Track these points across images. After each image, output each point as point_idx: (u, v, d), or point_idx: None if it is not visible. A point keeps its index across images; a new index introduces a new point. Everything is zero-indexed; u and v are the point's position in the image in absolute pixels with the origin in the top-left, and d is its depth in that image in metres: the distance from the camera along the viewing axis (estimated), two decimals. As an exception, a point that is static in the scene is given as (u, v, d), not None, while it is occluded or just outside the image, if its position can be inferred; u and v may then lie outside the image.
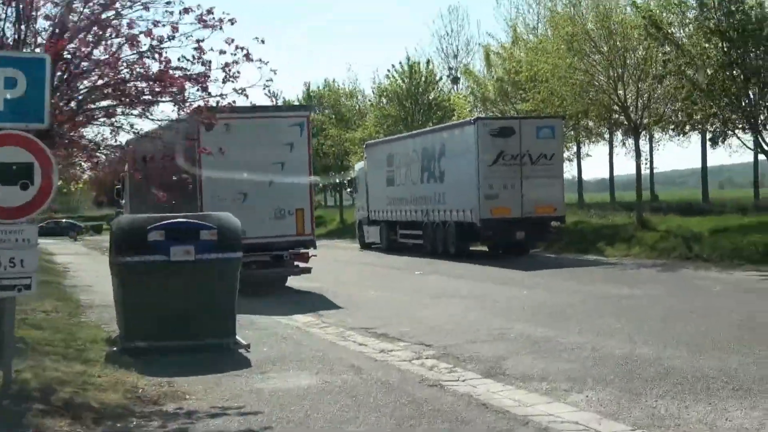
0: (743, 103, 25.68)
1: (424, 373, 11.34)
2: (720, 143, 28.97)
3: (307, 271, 22.84)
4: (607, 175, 48.09)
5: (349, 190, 48.00)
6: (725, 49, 25.64)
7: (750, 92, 25.78)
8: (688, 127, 29.32)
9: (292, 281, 23.44)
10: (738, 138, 27.47)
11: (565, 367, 11.36)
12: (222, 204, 21.33)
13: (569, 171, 40.12)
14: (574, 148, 46.83)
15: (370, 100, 52.99)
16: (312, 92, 60.10)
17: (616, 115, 32.20)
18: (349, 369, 11.55)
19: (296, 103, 63.87)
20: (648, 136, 37.59)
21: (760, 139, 26.37)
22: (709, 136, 30.75)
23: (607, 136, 40.19)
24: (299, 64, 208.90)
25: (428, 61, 49.32)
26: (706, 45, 25.74)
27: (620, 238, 30.72)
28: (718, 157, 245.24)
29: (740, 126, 26.60)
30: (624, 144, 36.59)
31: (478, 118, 31.69)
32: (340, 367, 11.71)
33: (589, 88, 31.41)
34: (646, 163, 33.23)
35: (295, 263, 22.79)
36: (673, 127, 29.63)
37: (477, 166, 29.74)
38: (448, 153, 32.16)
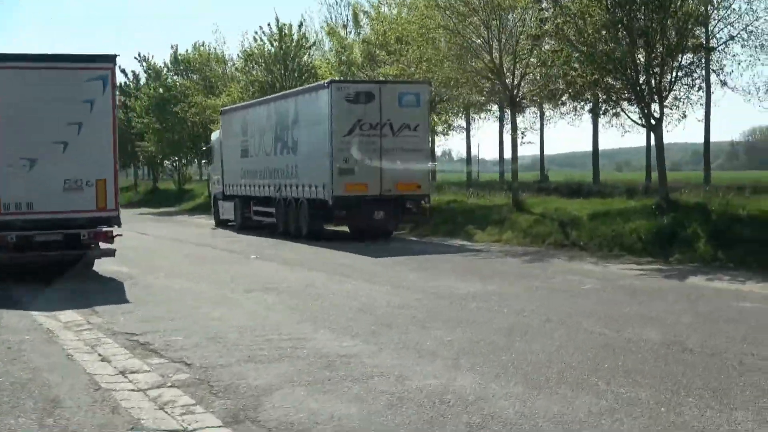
0: (628, 70, 22.22)
1: (145, 416, 8.00)
2: (602, 116, 25.67)
3: (110, 253, 19.09)
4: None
5: (204, 161, 43.98)
6: (609, 8, 22.19)
7: (636, 57, 22.35)
8: (565, 97, 25.85)
9: (100, 265, 19.55)
10: (622, 110, 24.05)
11: (344, 410, 8.03)
12: (3, 171, 17.92)
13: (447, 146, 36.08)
14: (458, 123, 43.80)
15: (235, 65, 48.59)
16: (180, 56, 55.66)
17: (492, 84, 28.59)
18: (39, 410, 8.07)
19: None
20: (539, 113, 34.14)
21: (647, 111, 22.97)
22: (588, 107, 27.29)
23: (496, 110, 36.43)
24: (168, 26, 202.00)
25: (300, 24, 45.07)
26: (588, 2, 22.19)
27: (493, 221, 27.33)
28: (621, 139, 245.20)
29: (625, 97, 23.19)
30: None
31: (332, 80, 27.62)
32: (29, 402, 8.37)
33: (460, 52, 27.85)
34: (522, 138, 29.83)
35: (94, 244, 18.83)
36: (549, 97, 26.06)
37: (330, 136, 25.96)
38: (302, 120, 28.32)
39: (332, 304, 14.34)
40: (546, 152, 52.19)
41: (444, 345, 10.82)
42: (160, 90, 55.97)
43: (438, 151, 48.09)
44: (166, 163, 63.94)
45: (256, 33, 45.21)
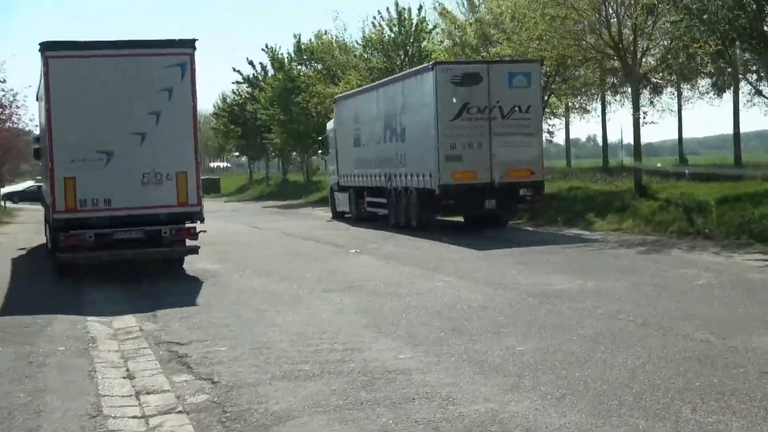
0: (754, 40, 20.01)
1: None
2: (727, 92, 23.38)
3: (193, 251, 18.29)
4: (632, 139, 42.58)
5: (320, 152, 43.11)
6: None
7: (763, 25, 20.14)
8: (686, 71, 23.69)
9: (190, 263, 18.86)
10: (749, 83, 21.80)
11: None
12: (78, 165, 17.10)
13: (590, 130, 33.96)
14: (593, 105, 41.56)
15: (354, 53, 47.47)
16: (303, 44, 54.95)
17: (611, 60, 26.60)
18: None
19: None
20: (677, 94, 31.85)
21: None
22: (711, 81, 25.00)
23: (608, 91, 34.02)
24: (287, 14, 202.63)
25: (420, 7, 43.60)
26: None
27: (614, 209, 25.45)
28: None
29: (754, 69, 20.97)
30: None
31: (436, 62, 26.10)
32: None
33: (575, 27, 26.01)
34: (644, 118, 27.67)
35: (178, 241, 18.08)
36: (669, 73, 23.87)
37: (436, 121, 24.55)
38: (409, 106, 26.98)
39: (409, 305, 13.02)
40: (688, 135, 49.59)
41: (512, 357, 9.37)
42: (284, 80, 55.45)
43: (582, 137, 45.03)
44: (294, 154, 63.53)
45: (374, 18, 43.92)
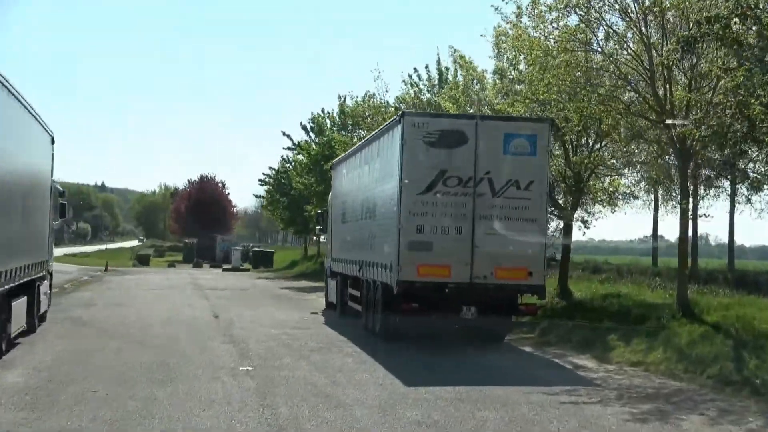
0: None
1: None
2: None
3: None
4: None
5: (318, 228, 36.70)
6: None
7: None
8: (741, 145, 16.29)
9: None
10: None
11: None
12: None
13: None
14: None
15: (384, 117, 40.70)
16: (345, 108, 48.48)
17: (652, 128, 19.46)
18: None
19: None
20: (731, 179, 24.48)
21: None
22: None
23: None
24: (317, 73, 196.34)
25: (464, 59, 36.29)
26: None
27: (645, 331, 18.36)
28: None
29: None
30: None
31: (404, 112, 19.30)
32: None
33: (608, 80, 19.20)
34: (700, 213, 20.38)
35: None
36: (722, 144, 16.46)
37: (399, 194, 18.01)
38: (379, 172, 20.55)
39: None
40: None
41: None
42: (322, 146, 49.40)
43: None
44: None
45: (410, 76, 37.47)
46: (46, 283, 21.57)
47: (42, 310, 21.16)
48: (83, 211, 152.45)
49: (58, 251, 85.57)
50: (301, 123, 55.85)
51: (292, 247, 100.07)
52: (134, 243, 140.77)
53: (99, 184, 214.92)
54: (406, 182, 17.83)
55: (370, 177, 21.51)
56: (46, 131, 20.81)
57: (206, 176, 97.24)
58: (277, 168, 61.56)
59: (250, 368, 15.15)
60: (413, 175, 17.84)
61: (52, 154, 21.97)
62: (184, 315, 25.51)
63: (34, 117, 18.48)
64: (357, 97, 44.94)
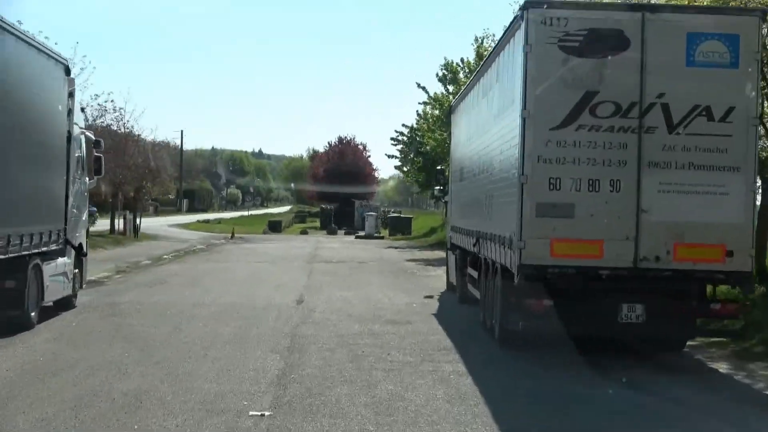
0: None
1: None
2: None
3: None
4: None
5: (437, 189, 30.56)
6: None
7: None
8: None
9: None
10: None
11: None
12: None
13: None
14: None
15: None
16: (483, 51, 41.90)
17: None
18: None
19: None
20: None
21: None
22: None
23: None
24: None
25: None
26: None
27: None
28: None
29: None
30: None
31: (528, 2, 12.45)
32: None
33: None
34: None
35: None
36: None
37: (521, 130, 11.68)
38: (498, 103, 14.24)
39: None
40: None
41: None
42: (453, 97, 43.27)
43: None
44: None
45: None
46: (62, 261, 16.32)
47: (55, 297, 16.02)
48: (236, 176, 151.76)
49: (190, 218, 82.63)
50: (437, 74, 49.57)
51: (438, 212, 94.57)
52: (286, 208, 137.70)
53: (256, 150, 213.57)
54: (531, 112, 11.47)
55: (488, 113, 15.23)
56: (52, 57, 15.48)
57: (345, 138, 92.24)
58: (411, 125, 55.48)
59: (267, 413, 9.21)
60: (543, 101, 11.49)
61: (71, 91, 16.59)
62: (260, 300, 19.93)
63: (22, 40, 13.62)
64: (493, 35, 38.19)
